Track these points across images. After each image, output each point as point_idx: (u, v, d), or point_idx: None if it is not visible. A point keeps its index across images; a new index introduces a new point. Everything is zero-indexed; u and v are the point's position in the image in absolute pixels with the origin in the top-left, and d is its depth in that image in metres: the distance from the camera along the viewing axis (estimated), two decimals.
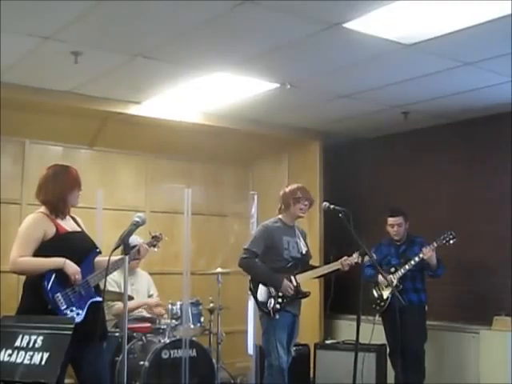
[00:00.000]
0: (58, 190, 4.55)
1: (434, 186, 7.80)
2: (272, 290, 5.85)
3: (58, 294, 4.30)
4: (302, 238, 6.14)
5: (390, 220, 6.93)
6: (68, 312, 4.29)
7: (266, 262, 5.89)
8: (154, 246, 4.96)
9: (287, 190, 6.14)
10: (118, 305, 6.36)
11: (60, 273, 4.33)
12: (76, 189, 4.63)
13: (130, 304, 6.06)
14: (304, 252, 6.08)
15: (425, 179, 7.91)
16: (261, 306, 5.88)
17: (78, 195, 4.66)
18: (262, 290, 5.87)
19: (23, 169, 7.48)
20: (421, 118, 7.50)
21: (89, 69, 5.96)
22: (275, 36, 5.09)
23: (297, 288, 5.91)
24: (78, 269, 4.38)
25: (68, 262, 4.36)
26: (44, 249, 4.39)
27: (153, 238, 4.98)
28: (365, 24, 4.78)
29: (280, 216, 6.11)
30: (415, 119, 7.50)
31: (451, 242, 6.47)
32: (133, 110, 7.20)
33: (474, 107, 7.02)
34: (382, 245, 7.01)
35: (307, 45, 5.25)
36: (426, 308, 6.80)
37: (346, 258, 5.90)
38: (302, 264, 6.03)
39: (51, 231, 4.43)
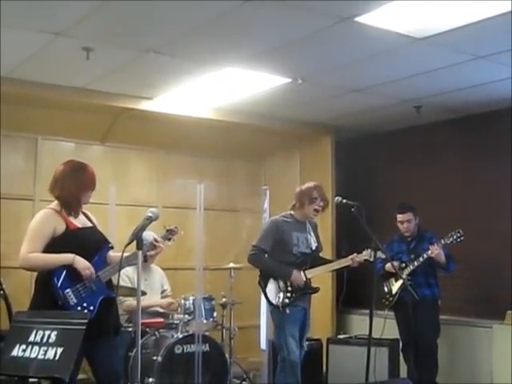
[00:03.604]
0: (74, 189, 4.53)
1: (446, 181, 7.75)
2: (281, 284, 5.85)
3: (68, 290, 4.30)
4: (313, 232, 6.13)
5: (399, 217, 6.90)
6: (79, 308, 4.30)
7: (275, 256, 5.89)
8: (169, 239, 4.94)
9: (303, 188, 6.09)
10: (129, 301, 6.39)
11: (71, 269, 4.34)
12: (91, 189, 4.63)
13: (142, 302, 6.07)
14: (314, 247, 6.07)
15: (437, 174, 7.86)
16: (270, 300, 5.88)
17: (90, 195, 4.66)
18: (270, 284, 5.88)
19: (36, 165, 7.51)
20: (433, 112, 7.47)
21: (100, 65, 5.96)
22: (286, 31, 5.08)
23: (306, 283, 5.92)
24: (89, 264, 4.39)
25: (78, 257, 4.36)
26: (54, 245, 4.39)
27: (168, 231, 4.95)
28: (376, 18, 4.76)
29: (292, 212, 6.09)
30: (427, 113, 7.46)
31: (459, 240, 6.44)
32: (145, 105, 7.21)
33: (486, 101, 6.97)
34: (393, 241, 6.99)
35: (318, 39, 5.24)
36: (440, 302, 6.79)
37: (355, 254, 5.90)
38: (312, 259, 6.02)
39: (61, 228, 4.44)
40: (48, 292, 4.32)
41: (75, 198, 4.55)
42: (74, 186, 4.55)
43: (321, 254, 6.26)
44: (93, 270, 4.40)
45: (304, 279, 5.88)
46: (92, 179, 4.66)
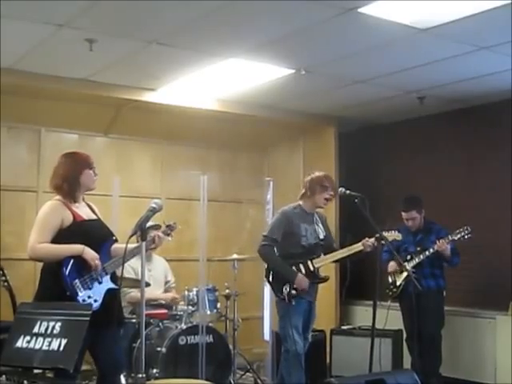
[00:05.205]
0: (70, 173, 4.55)
1: (448, 172, 7.75)
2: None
3: (76, 281, 4.32)
4: (321, 223, 6.11)
5: (403, 215, 6.87)
6: (86, 298, 4.32)
7: (284, 247, 5.89)
8: (168, 234, 4.96)
9: (314, 176, 6.04)
10: (133, 293, 6.40)
11: (78, 259, 4.35)
12: (86, 168, 4.60)
13: (146, 295, 6.06)
14: (322, 237, 6.05)
15: (440, 165, 7.85)
16: (276, 291, 5.89)
17: (92, 176, 4.64)
18: (277, 276, 5.87)
19: (39, 157, 7.51)
20: (437, 103, 7.45)
21: (104, 56, 5.96)
22: (290, 21, 5.07)
23: (314, 273, 5.92)
24: (97, 255, 4.41)
25: (87, 248, 4.38)
26: (61, 237, 4.41)
27: (167, 226, 4.97)
28: (379, 9, 4.75)
29: (300, 202, 6.06)
30: (431, 104, 7.45)
31: (466, 237, 6.44)
32: (148, 97, 7.21)
33: (489, 92, 6.96)
34: (400, 231, 6.97)
35: (322, 30, 5.23)
36: (445, 294, 6.79)
37: (367, 238, 5.84)
38: (320, 250, 6.01)
39: (68, 219, 4.45)
40: (55, 282, 4.33)
41: (73, 182, 4.54)
42: (68, 170, 4.56)
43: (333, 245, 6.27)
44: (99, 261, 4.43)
45: (308, 284, 5.86)
46: (85, 159, 4.66)
